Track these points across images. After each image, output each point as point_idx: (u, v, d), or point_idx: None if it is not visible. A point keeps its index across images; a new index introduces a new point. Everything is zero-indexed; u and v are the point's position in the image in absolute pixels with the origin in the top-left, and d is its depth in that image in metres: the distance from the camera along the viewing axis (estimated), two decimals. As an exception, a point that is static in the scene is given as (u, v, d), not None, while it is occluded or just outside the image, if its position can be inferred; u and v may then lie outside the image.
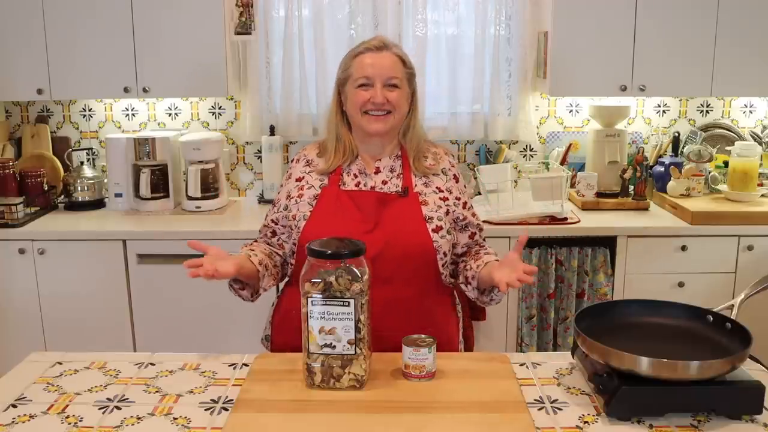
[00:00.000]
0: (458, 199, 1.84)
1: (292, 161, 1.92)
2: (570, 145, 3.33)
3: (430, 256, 1.74)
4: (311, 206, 1.78)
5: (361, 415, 1.35)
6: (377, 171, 1.83)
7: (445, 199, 1.81)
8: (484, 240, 1.90)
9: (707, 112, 3.42)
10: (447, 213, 1.80)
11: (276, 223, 1.86)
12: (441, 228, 1.76)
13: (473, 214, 1.88)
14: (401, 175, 1.82)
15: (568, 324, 2.94)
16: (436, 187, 1.82)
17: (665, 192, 3.15)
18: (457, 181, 1.87)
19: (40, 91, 3.05)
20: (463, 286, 1.83)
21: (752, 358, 1.47)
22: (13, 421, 1.35)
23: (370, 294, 1.45)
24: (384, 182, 1.81)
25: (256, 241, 1.91)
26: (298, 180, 1.85)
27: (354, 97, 1.78)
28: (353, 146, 1.84)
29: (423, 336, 1.52)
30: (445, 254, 1.76)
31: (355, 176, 1.82)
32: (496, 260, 1.75)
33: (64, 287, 2.89)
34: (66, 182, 3.24)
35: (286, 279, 1.89)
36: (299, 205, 1.80)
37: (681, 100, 3.40)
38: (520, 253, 1.64)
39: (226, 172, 3.39)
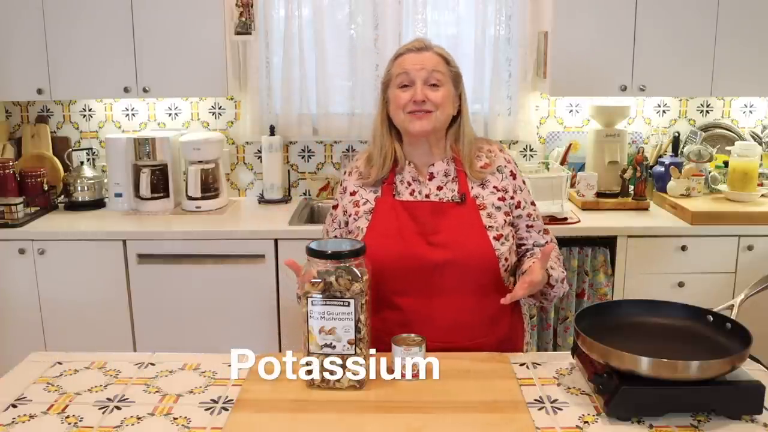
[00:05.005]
0: (513, 198, 1.78)
1: (344, 173, 1.87)
2: (570, 145, 3.33)
3: (492, 265, 1.70)
4: (367, 221, 1.75)
5: (361, 415, 1.35)
6: (431, 177, 1.77)
7: (502, 199, 1.77)
8: (541, 232, 1.84)
9: (707, 112, 3.42)
10: (507, 214, 1.76)
11: None
12: (501, 236, 1.72)
13: (529, 214, 1.81)
14: (456, 179, 1.76)
15: (568, 324, 2.93)
16: (494, 187, 1.77)
17: (665, 192, 3.15)
18: (514, 178, 1.81)
19: (40, 91, 3.05)
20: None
21: (752, 358, 1.47)
22: (13, 421, 1.35)
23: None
24: (439, 188, 1.76)
25: None
26: (353, 194, 1.81)
27: (395, 98, 1.73)
28: (401, 154, 1.78)
29: (413, 335, 1.52)
30: (506, 260, 1.72)
31: (409, 184, 1.77)
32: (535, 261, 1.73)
33: (64, 287, 2.89)
34: (66, 182, 3.24)
35: None
36: (358, 221, 1.77)
37: (681, 100, 3.40)
38: (542, 263, 1.62)
39: (226, 172, 3.39)
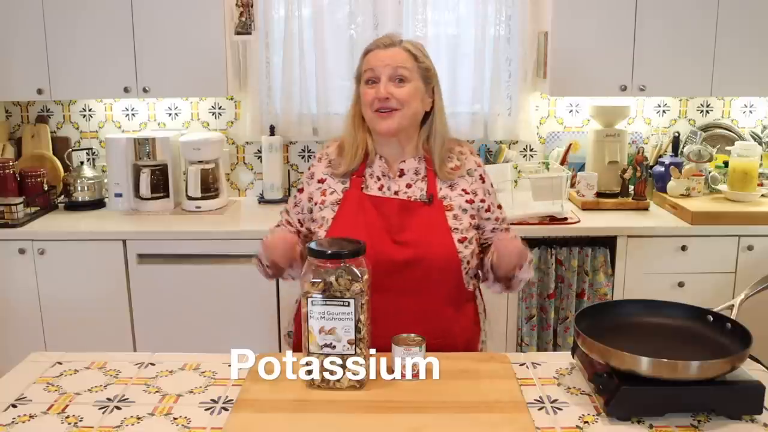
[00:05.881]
0: (483, 201, 1.79)
1: (314, 158, 1.86)
2: (570, 145, 3.33)
3: (455, 267, 1.71)
4: (333, 212, 1.75)
5: (361, 415, 1.35)
6: (401, 174, 1.78)
7: (471, 201, 1.77)
8: (504, 231, 1.86)
9: (707, 112, 3.42)
10: (472, 217, 1.77)
11: (302, 225, 1.84)
12: (465, 238, 1.73)
13: (497, 218, 1.84)
14: (426, 179, 1.77)
15: (568, 324, 2.94)
16: (462, 189, 1.78)
17: (665, 192, 3.15)
18: (483, 182, 1.82)
19: (40, 91, 3.05)
20: (487, 286, 1.83)
21: (752, 358, 1.47)
22: (13, 421, 1.35)
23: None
24: (408, 186, 1.76)
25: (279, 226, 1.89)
26: (321, 182, 1.80)
27: (363, 95, 1.74)
28: (372, 147, 1.78)
29: (413, 335, 1.52)
30: (468, 263, 1.74)
31: (378, 179, 1.77)
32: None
33: (64, 287, 2.89)
34: (66, 182, 3.24)
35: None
36: (323, 211, 1.77)
37: (681, 100, 3.40)
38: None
39: (226, 172, 3.39)
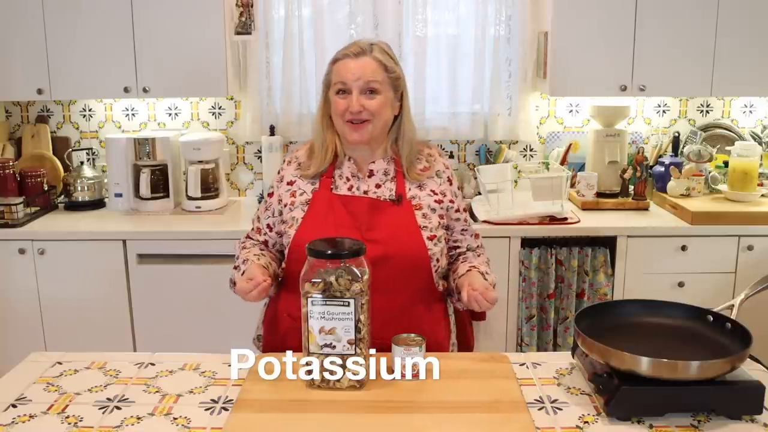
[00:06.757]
0: (452, 202, 1.82)
1: (283, 162, 1.89)
2: (570, 145, 3.33)
3: (425, 264, 1.73)
4: (303, 211, 1.77)
5: (361, 415, 1.35)
6: (370, 174, 1.80)
7: (439, 201, 1.80)
8: (473, 236, 1.90)
9: (707, 112, 3.42)
10: (441, 217, 1.79)
11: (271, 230, 1.86)
12: (435, 237, 1.75)
13: (465, 219, 1.88)
14: (395, 179, 1.79)
15: (568, 324, 2.93)
16: (431, 190, 1.80)
17: (665, 192, 3.15)
18: (450, 184, 1.85)
19: (40, 91, 3.05)
20: (451, 302, 1.86)
21: (752, 358, 1.47)
22: (13, 421, 1.35)
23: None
24: (378, 186, 1.78)
25: (249, 237, 1.90)
26: (290, 184, 1.82)
27: (334, 104, 1.75)
28: (341, 149, 1.80)
29: (413, 335, 1.52)
30: (438, 260, 1.75)
31: (348, 179, 1.79)
32: (471, 267, 1.77)
33: (64, 287, 2.89)
34: (66, 182, 3.24)
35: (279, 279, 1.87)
36: (293, 212, 1.78)
37: (681, 100, 3.40)
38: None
39: (226, 172, 3.39)
